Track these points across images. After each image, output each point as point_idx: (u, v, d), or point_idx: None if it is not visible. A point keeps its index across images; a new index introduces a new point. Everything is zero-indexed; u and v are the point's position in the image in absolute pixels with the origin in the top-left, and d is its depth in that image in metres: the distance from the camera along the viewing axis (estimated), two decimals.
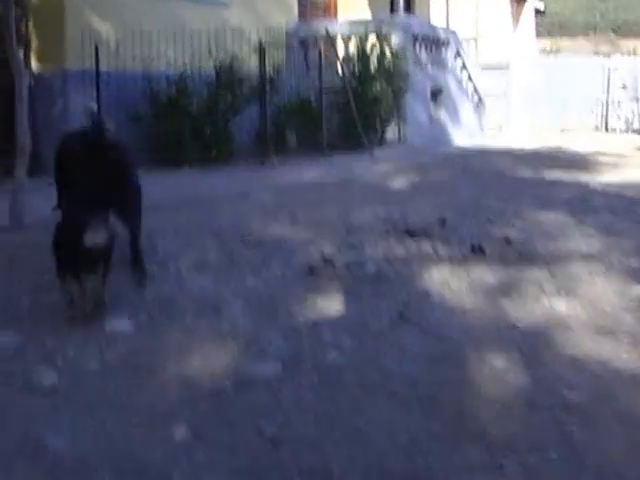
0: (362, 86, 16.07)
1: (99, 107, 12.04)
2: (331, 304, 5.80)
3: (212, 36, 13.51)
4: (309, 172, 12.63)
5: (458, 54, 20.35)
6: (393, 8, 22.66)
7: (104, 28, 12.92)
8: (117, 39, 12.88)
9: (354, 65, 16.38)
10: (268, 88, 13.83)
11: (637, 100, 25.60)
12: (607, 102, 25.94)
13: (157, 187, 11.27)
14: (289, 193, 10.71)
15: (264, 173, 12.48)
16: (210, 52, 13.37)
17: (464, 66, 20.74)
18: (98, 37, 12.64)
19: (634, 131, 25.01)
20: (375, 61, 16.48)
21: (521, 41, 38.06)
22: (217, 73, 13.46)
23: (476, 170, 13.53)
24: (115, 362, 4.77)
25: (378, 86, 16.22)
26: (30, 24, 12.68)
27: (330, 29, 16.33)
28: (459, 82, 20.25)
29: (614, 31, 66.41)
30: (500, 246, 7.48)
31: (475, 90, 21.31)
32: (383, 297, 5.95)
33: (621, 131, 25.26)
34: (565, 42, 56.03)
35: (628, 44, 56.29)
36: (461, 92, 20.34)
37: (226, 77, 13.46)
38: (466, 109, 20.52)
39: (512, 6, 39.61)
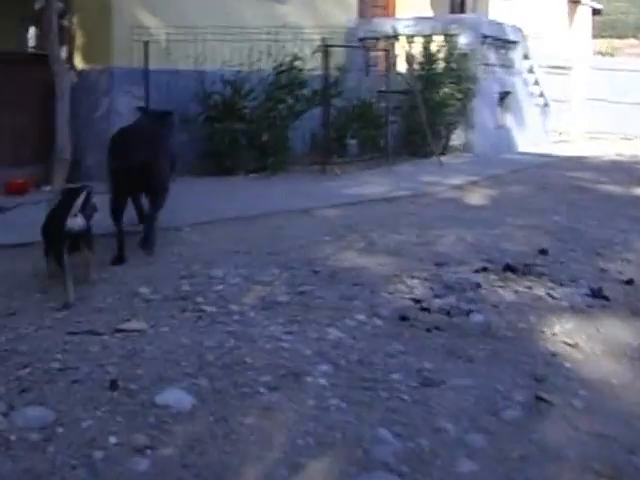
0: (428, 89, 14.78)
1: (147, 107, 10.97)
2: (437, 370, 4.53)
3: (270, 34, 12.26)
4: (375, 183, 11.40)
5: (526, 55, 18.99)
6: (453, 7, 21.34)
7: (154, 24, 11.76)
8: (168, 36, 11.74)
9: (419, 66, 15.09)
10: (332, 91, 12.59)
11: None
12: None
13: (209, 197, 10.17)
14: (357, 209, 9.57)
15: (326, 184, 11.25)
16: (269, 51, 12.15)
17: (531, 68, 19.38)
18: (147, 33, 11.51)
19: None
20: (442, 62, 15.19)
21: (576, 42, 36.56)
22: (276, 74, 12.24)
23: (557, 184, 12.25)
24: (167, 461, 3.47)
25: (446, 89, 14.91)
26: (75, 19, 11.53)
27: (394, 28, 15.09)
28: (526, 85, 18.90)
29: None
30: (622, 289, 6.22)
31: (541, 93, 19.94)
32: (502, 363, 4.67)
33: None
34: (616, 43, 54.39)
35: None
36: (528, 96, 18.99)
37: (286, 78, 12.23)
38: (532, 114, 19.18)
39: (567, 5, 38.15)
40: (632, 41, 58.95)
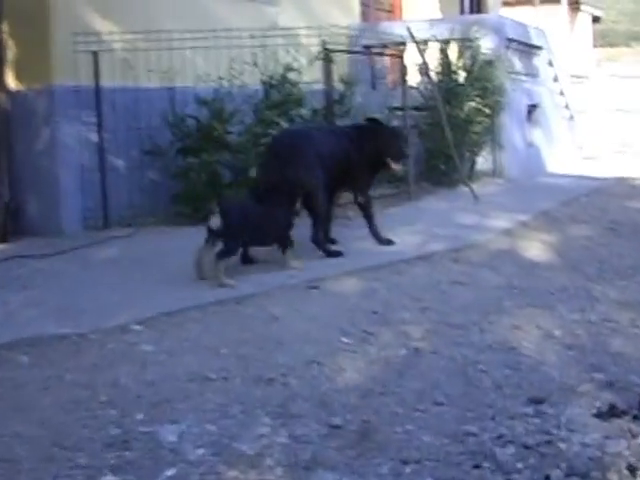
0: (450, 104, 11.76)
1: (101, 136, 8.02)
2: None
3: (258, 41, 9.22)
4: (400, 230, 8.34)
5: (550, 62, 16.01)
6: (463, 9, 18.37)
7: (107, 29, 8.79)
8: (126, 44, 8.72)
9: (437, 77, 12.06)
10: (336, 109, 9.55)
11: None
12: None
13: (179, 260, 7.22)
14: (383, 277, 6.66)
15: (336, 235, 8.12)
16: (255, 62, 9.12)
17: (556, 77, 16.40)
18: (98, 41, 8.52)
19: None
20: (463, 72, 12.18)
21: (577, 50, 33.84)
22: (266, 90, 9.20)
23: (626, 222, 9.27)
24: None
25: (472, 103, 11.89)
26: (4, 26, 8.55)
27: (403, 32, 12.02)
28: (552, 96, 15.92)
29: None
30: None
31: (567, 105, 16.97)
32: None
33: None
34: (610, 52, 52.05)
35: None
36: (554, 108, 16.01)
37: (278, 95, 9.19)
38: (559, 128, 16.19)
39: (568, 13, 35.66)
40: (624, 49, 56.57)
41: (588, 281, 6.62)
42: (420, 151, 11.65)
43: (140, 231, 8.49)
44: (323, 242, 7.26)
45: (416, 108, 11.77)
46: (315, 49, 9.41)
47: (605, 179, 13.26)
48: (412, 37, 10.82)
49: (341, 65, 10.25)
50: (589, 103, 21.75)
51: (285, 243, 6.79)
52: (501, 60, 12.59)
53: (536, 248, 7.82)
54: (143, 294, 6.01)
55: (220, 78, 9.02)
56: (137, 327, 5.18)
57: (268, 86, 9.15)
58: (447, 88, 11.93)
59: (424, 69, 11.54)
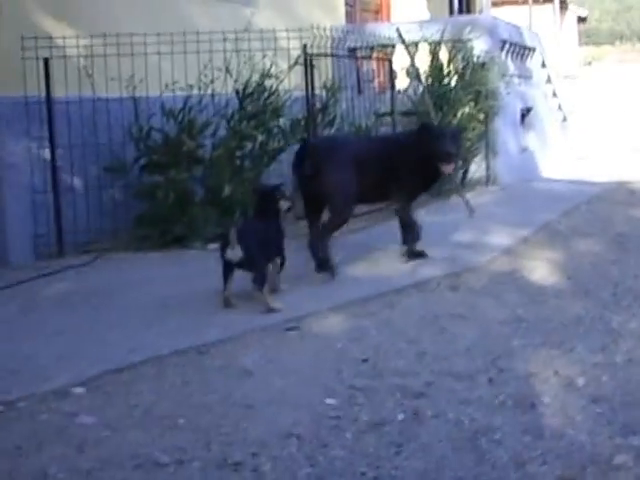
0: (441, 109, 10.86)
1: (53, 153, 7.11)
2: None
3: (231, 45, 8.29)
4: (388, 252, 7.45)
5: (543, 64, 15.16)
6: (452, 10, 17.51)
7: (59, 32, 7.87)
8: (82, 50, 7.81)
9: (427, 81, 11.17)
10: (319, 118, 8.62)
11: None
12: None
13: (141, 295, 6.34)
14: (374, 311, 5.77)
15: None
16: (228, 68, 8.20)
17: (549, 78, 15.56)
18: (49, 46, 7.58)
19: None
20: (455, 75, 11.29)
21: (564, 49, 33.17)
22: (240, 99, 8.29)
23: (634, 234, 8.36)
24: None
25: (466, 109, 11.00)
26: None
27: (391, 34, 11.10)
28: (546, 98, 15.09)
29: None
30: None
31: (560, 106, 16.14)
32: None
33: None
34: (594, 51, 51.70)
35: None
36: (548, 111, 15.17)
37: (254, 105, 8.28)
38: (553, 131, 15.35)
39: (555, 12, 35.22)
40: (609, 48, 56.17)
41: (604, 309, 5.73)
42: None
43: (99, 259, 7.59)
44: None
45: (405, 114, 10.91)
46: (295, 53, 8.48)
47: (603, 183, 12.40)
48: (401, 39, 9.94)
49: (324, 70, 9.34)
50: (580, 103, 20.93)
51: (284, 255, 6.07)
52: (495, 63, 11.72)
53: (541, 269, 6.94)
54: (92, 343, 5.09)
55: (190, 86, 8.09)
56: (78, 390, 4.27)
57: (242, 95, 8.20)
58: (438, 93, 11.04)
59: (414, 73, 10.66)
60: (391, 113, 9.99)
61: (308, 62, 8.13)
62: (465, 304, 5.89)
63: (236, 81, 8.19)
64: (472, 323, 5.45)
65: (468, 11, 17.77)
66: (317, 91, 8.56)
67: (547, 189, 11.99)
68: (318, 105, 8.57)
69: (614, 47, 56.41)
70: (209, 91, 8.12)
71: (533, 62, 14.40)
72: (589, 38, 54.40)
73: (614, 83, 23.14)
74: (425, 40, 11.40)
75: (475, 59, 11.43)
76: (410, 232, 7.10)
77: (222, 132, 8.24)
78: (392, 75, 10.34)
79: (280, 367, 4.66)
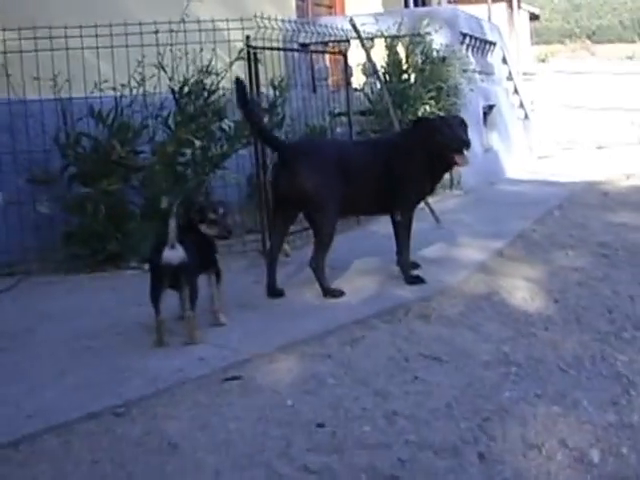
0: (400, 108, 9.85)
1: None
2: None
3: (166, 38, 7.17)
4: (349, 271, 6.45)
5: (504, 59, 14.22)
6: (407, 3, 16.47)
7: None
8: None
9: (385, 77, 10.16)
10: (266, 119, 7.52)
11: None
12: None
13: (56, 332, 5.21)
14: (331, 352, 4.69)
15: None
16: (160, 64, 7.08)
17: (510, 75, 14.63)
18: None
19: None
20: (414, 71, 10.29)
21: (519, 47, 32.39)
22: (177, 100, 7.17)
23: (616, 243, 7.49)
24: None
25: (426, 107, 9.99)
26: None
27: (346, 27, 10.01)
28: (507, 95, 14.15)
29: (589, 37, 62.46)
30: None
31: (521, 104, 15.24)
32: None
33: None
34: (544, 49, 51.30)
35: (603, 49, 51.55)
36: (510, 108, 14.24)
37: (194, 105, 7.17)
38: (515, 129, 14.44)
39: (506, 10, 34.51)
40: (559, 46, 55.79)
41: (604, 344, 4.77)
42: None
43: (22, 282, 6.47)
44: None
45: (363, 113, 9.89)
46: (239, 46, 7.38)
47: (572, 184, 11.50)
48: (356, 32, 8.89)
49: (273, 66, 8.22)
50: (539, 100, 20.07)
51: (219, 267, 5.02)
52: (456, 57, 10.73)
53: (522, 290, 5.95)
54: None
55: (121, 86, 6.97)
56: None
57: (179, 94, 7.08)
58: (397, 90, 10.03)
59: (371, 69, 9.63)
60: (347, 113, 8.93)
61: (251, 56, 6.98)
62: (440, 340, 4.86)
63: (171, 79, 7.03)
64: (451, 367, 4.43)
65: (423, 4, 16.74)
66: (263, 89, 7.41)
67: (514, 192, 11.07)
68: (265, 105, 7.44)
69: (564, 46, 56.04)
70: (142, 91, 6.96)
71: (494, 57, 13.44)
72: (539, 37, 53.94)
73: (571, 80, 22.33)
74: (381, 34, 10.36)
75: (435, 53, 10.44)
76: (407, 242, 6.12)
77: (162, 137, 7.11)
78: (347, 72, 9.29)
79: (213, 437, 3.60)
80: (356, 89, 10.39)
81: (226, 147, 7.19)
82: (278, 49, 7.74)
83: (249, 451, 3.47)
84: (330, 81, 11.24)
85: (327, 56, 11.28)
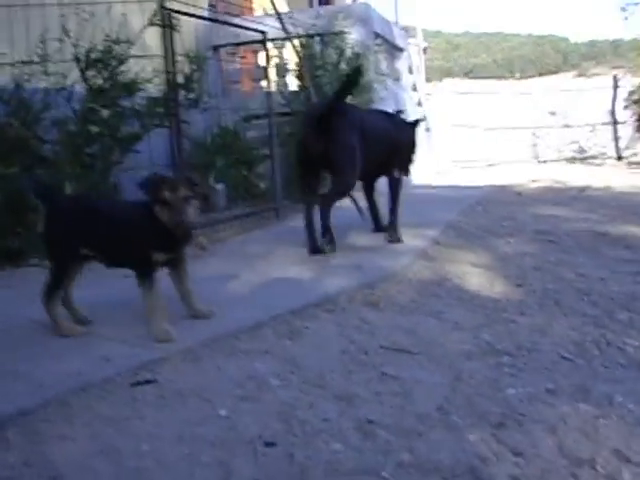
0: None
1: None
2: None
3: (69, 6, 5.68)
4: (277, 260, 5.13)
5: (410, 70, 13.15)
6: (311, 3, 15.19)
7: None
8: None
9: (300, 77, 8.86)
10: (183, 99, 6.08)
11: (568, 126, 18.61)
12: (536, 130, 19.04)
13: None
14: (271, 351, 3.26)
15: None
16: (66, 31, 5.55)
17: (415, 86, 13.58)
18: None
19: (570, 160, 18.03)
20: (330, 68, 9.02)
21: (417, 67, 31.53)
22: (82, 70, 5.64)
23: (558, 233, 6.29)
24: None
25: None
26: None
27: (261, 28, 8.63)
28: (413, 104, 13.06)
29: (466, 74, 63.42)
30: None
31: (425, 116, 14.13)
32: None
33: (552, 161, 18.17)
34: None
35: (481, 84, 52.01)
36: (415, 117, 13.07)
37: (102, 79, 5.67)
38: (420, 140, 13.24)
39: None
40: (437, 83, 56.34)
41: (602, 328, 3.53)
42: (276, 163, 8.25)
43: None
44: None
45: (285, 114, 8.59)
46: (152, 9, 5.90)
47: (484, 187, 10.44)
48: (285, 31, 7.58)
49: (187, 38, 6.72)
50: (433, 119, 19.11)
51: (145, 270, 3.44)
52: (370, 53, 9.52)
53: (475, 276, 4.70)
54: None
55: (24, 62, 5.44)
56: None
57: (85, 64, 5.57)
58: (313, 87, 8.72)
59: (301, 68, 8.34)
60: (262, 115, 7.64)
61: (166, 21, 5.55)
62: (400, 329, 3.55)
63: (76, 46, 5.51)
64: (424, 360, 3.12)
65: (327, 3, 15.46)
66: (181, 64, 5.96)
67: (429, 193, 9.90)
68: (180, 79, 5.98)
69: (443, 83, 56.60)
70: (47, 66, 5.44)
71: (402, 64, 12.31)
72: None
73: (465, 100, 21.48)
74: (296, 32, 9.06)
75: (349, 51, 9.19)
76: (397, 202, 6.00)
77: (67, 122, 5.59)
78: (264, 73, 7.98)
79: (118, 466, 2.19)
80: (269, 92, 9.03)
81: (139, 128, 5.72)
82: (196, 17, 6.29)
83: None
84: (243, 84, 9.89)
85: (239, 58, 9.91)
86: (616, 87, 17.82)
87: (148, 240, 3.37)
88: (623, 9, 16.87)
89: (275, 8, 7.59)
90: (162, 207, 3.32)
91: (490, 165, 16.86)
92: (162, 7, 5.51)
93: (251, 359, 3.14)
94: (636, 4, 16.47)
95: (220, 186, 7.42)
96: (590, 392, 2.67)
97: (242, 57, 10.11)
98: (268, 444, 2.34)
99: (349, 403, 2.65)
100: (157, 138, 6.05)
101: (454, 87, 19.48)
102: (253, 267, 4.89)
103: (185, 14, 5.86)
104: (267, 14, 8.52)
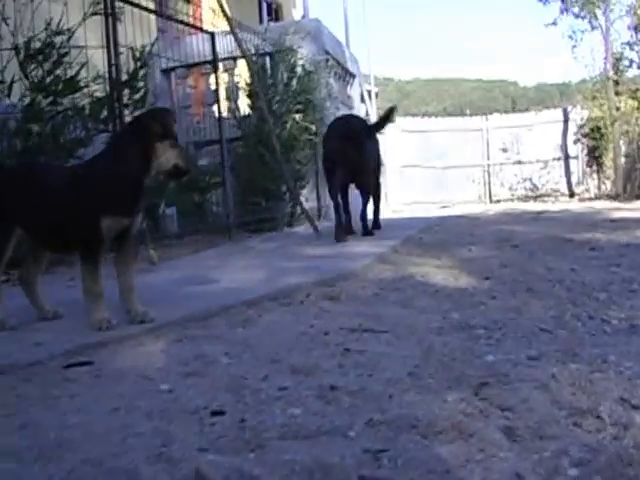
0: (258, 131, 8.26)
1: None
2: None
3: None
4: (229, 267, 4.83)
5: (362, 98, 13.03)
6: (261, 20, 14.91)
7: None
8: None
9: (251, 96, 8.60)
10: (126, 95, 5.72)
11: (520, 162, 18.60)
12: (488, 168, 18.95)
13: None
14: (224, 337, 2.88)
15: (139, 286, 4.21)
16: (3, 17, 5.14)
17: (367, 114, 13.45)
18: None
19: (522, 198, 17.99)
20: (279, 86, 8.76)
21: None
22: (21, 63, 5.22)
23: (519, 240, 6.11)
24: None
25: (296, 116, 8.50)
26: None
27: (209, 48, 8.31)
28: None
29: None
30: None
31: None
32: None
33: (505, 200, 18.05)
34: None
35: (433, 122, 52.60)
36: None
37: (43, 69, 5.27)
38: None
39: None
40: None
41: (580, 307, 3.26)
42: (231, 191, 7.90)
43: None
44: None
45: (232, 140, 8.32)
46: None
47: (438, 217, 10.19)
48: (240, 48, 7.32)
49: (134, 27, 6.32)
50: (386, 158, 18.94)
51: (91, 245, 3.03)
52: (320, 72, 9.30)
53: (439, 274, 4.42)
54: None
55: None
56: None
57: (24, 55, 5.17)
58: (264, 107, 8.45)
59: (253, 86, 8.10)
60: (219, 141, 7.39)
61: (109, 10, 5.22)
62: (363, 316, 3.25)
63: (14, 35, 5.12)
64: (391, 337, 2.82)
65: (277, 20, 15.23)
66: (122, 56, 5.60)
67: (387, 220, 9.59)
68: (124, 76, 5.60)
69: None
70: None
71: (354, 91, 12.13)
72: None
73: (414, 138, 21.35)
74: (247, 49, 8.77)
75: (299, 68, 8.94)
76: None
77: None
78: (217, 96, 7.73)
79: (39, 440, 1.86)
80: (222, 117, 8.72)
81: (82, 131, 5.35)
82: (141, 8, 5.96)
83: (98, 454, 1.73)
84: (194, 108, 9.60)
85: (189, 81, 9.63)
86: (566, 120, 17.92)
87: (100, 202, 2.96)
88: (570, 37, 17.00)
89: (230, 25, 7.31)
90: (171, 147, 2.97)
91: (443, 207, 16.50)
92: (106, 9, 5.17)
93: (199, 343, 2.81)
94: (582, 31, 16.63)
95: (171, 210, 7.07)
96: (579, 355, 2.39)
97: (193, 84, 9.83)
98: (215, 413, 2.01)
99: (308, 374, 2.33)
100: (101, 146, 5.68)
101: (406, 125, 19.17)
102: (205, 274, 4.56)
103: (130, 4, 5.53)
104: (217, 31, 8.19)
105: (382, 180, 8.11)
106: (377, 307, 3.45)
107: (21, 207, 3.05)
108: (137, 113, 5.71)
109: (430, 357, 2.46)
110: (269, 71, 8.70)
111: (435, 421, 1.83)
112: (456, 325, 2.95)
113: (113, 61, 5.25)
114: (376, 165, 7.17)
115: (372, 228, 6.88)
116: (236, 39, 7.42)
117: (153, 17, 7.45)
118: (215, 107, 8.76)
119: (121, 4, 5.44)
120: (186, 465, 1.67)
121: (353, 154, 6.35)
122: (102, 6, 5.21)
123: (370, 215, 7.14)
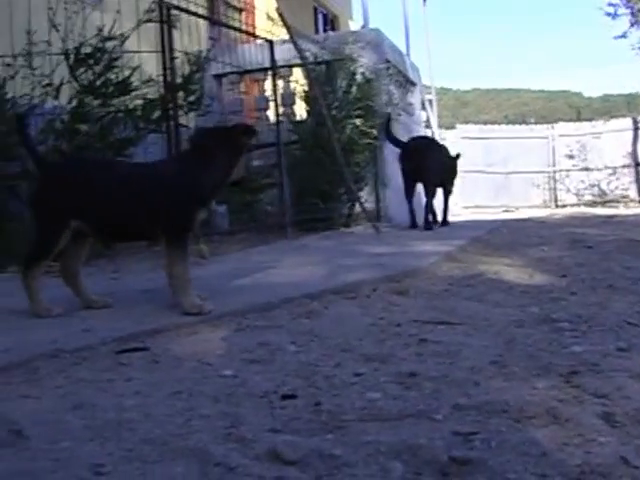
0: (315, 135, 8.17)
1: None
2: None
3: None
4: (286, 263, 4.77)
5: (423, 106, 12.90)
6: (317, 30, 14.95)
7: None
8: None
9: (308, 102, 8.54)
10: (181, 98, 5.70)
11: (587, 169, 18.29)
12: (554, 174, 18.68)
13: None
14: (287, 326, 2.79)
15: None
16: (52, 20, 5.19)
17: (428, 122, 13.32)
18: None
19: (590, 204, 17.62)
20: (339, 93, 8.68)
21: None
22: (71, 67, 5.22)
23: (591, 242, 5.89)
24: None
25: (356, 121, 8.41)
26: None
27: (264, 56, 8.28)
28: None
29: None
30: None
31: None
32: None
33: (572, 205, 17.75)
34: None
35: (494, 129, 52.09)
36: None
37: (93, 75, 5.31)
38: None
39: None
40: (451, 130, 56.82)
41: None
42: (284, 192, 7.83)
43: None
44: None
45: (287, 144, 8.26)
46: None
47: (503, 220, 10.02)
48: (301, 56, 7.33)
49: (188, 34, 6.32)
50: None
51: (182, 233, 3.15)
52: (380, 80, 9.23)
53: (511, 272, 4.29)
54: None
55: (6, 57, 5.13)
56: None
57: (75, 59, 5.22)
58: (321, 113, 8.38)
59: (315, 94, 8.05)
60: (277, 144, 7.36)
61: (164, 17, 5.24)
62: (436, 309, 3.15)
63: (64, 40, 5.17)
64: (469, 329, 2.71)
65: (333, 29, 15.27)
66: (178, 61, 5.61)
67: (452, 221, 9.45)
68: (178, 79, 5.59)
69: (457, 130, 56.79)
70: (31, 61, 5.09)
71: (414, 98, 12.03)
72: None
73: (476, 145, 21.10)
74: (304, 59, 8.74)
75: (359, 76, 8.87)
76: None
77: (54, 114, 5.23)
78: (275, 101, 7.71)
79: (94, 420, 1.80)
80: (269, 123, 8.68)
81: (132, 131, 5.37)
82: (197, 15, 5.99)
83: (160, 434, 1.66)
84: (247, 112, 9.59)
85: (241, 87, 9.64)
86: (636, 129, 17.61)
87: (199, 196, 3.14)
88: None
89: (290, 33, 7.32)
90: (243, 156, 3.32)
91: (506, 211, 16.32)
92: (159, 2, 5.18)
93: (262, 332, 2.74)
94: None
95: (222, 208, 7.05)
96: None
97: (245, 90, 9.85)
98: (286, 397, 1.93)
99: (384, 362, 2.24)
100: (155, 146, 5.68)
101: (467, 132, 19.07)
102: (260, 268, 4.49)
103: (185, 11, 5.55)
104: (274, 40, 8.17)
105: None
106: (449, 301, 3.35)
107: (83, 201, 3.04)
108: (192, 115, 5.77)
109: (513, 347, 2.36)
110: (328, 78, 8.63)
111: (527, 406, 1.73)
112: (537, 318, 2.84)
113: (168, 65, 5.26)
114: (444, 172, 8.75)
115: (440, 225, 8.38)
116: (296, 47, 7.42)
117: (203, 25, 7.47)
118: (268, 112, 8.80)
119: (176, 12, 5.44)
120: (259, 445, 1.59)
121: (421, 164, 8.10)
122: (157, 14, 5.21)
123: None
